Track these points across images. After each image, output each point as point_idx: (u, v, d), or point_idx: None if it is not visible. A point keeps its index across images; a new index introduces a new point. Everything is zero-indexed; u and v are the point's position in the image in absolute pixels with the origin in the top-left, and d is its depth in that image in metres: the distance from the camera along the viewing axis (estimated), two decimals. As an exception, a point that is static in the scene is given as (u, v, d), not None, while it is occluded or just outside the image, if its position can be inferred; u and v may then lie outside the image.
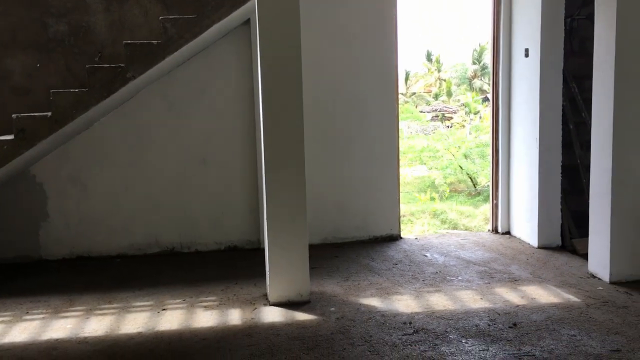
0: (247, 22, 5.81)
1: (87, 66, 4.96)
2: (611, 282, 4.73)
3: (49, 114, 4.84)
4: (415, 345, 3.70)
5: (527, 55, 5.87)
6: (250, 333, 3.95)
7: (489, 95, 6.69)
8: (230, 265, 5.58)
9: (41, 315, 4.39)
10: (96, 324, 4.20)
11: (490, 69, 6.60)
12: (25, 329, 4.14)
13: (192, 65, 5.88)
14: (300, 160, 4.39)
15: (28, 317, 4.38)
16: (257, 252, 5.95)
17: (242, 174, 6.07)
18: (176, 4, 5.77)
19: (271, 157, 4.36)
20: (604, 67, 4.70)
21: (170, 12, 5.77)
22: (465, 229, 8.21)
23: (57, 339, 3.94)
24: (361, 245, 6.16)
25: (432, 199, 11.64)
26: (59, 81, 5.76)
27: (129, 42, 4.92)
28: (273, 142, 4.34)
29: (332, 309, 4.37)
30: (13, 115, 4.85)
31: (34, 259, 5.87)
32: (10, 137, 4.85)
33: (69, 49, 5.79)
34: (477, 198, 11.87)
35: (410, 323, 4.06)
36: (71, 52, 5.79)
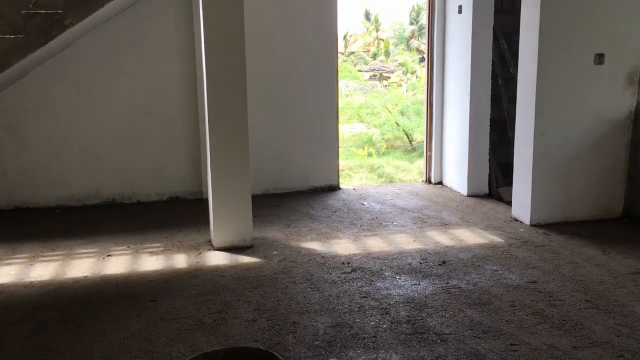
0: (188, -28, 5.77)
1: (22, 12, 4.83)
2: (531, 225, 5.15)
3: (-16, 60, 4.72)
4: (353, 282, 3.97)
5: (460, 11, 6.13)
6: (196, 275, 4.12)
7: (425, 55, 6.94)
8: (173, 215, 5.68)
9: (-18, 263, 4.40)
10: (41, 269, 4.24)
11: (426, 27, 6.83)
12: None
13: (130, 13, 5.81)
14: (243, 113, 4.50)
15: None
16: (200, 202, 6.07)
17: (184, 126, 6.11)
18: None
19: (214, 110, 4.45)
20: (529, 25, 5.00)
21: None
22: (401, 182, 8.57)
23: (1, 284, 3.98)
24: (301, 195, 6.38)
25: (370, 154, 11.97)
26: (-10, 27, 5.56)
27: (67, -13, 4.83)
28: (216, 95, 4.43)
29: (275, 252, 4.58)
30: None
31: (-30, 211, 5.77)
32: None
33: (0, -6, 5.58)
34: (413, 154, 12.29)
35: (349, 263, 4.33)
36: (3, -2, 5.58)
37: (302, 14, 6.21)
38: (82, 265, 4.34)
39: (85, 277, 4.11)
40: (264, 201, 6.02)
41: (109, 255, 4.54)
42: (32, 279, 4.06)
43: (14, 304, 3.66)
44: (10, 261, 4.44)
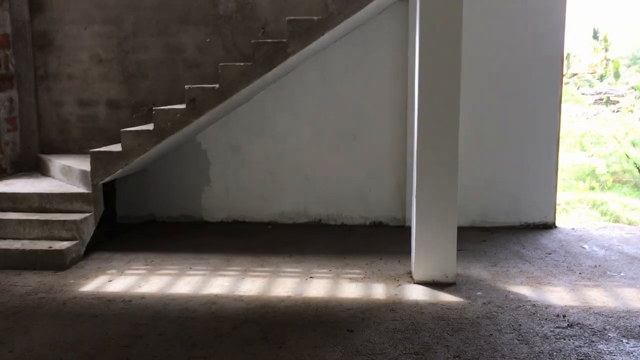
0: (406, -2, 5.75)
1: (252, 42, 5.21)
2: None
3: (217, 85, 5.18)
4: (569, 340, 3.50)
5: None
6: (394, 308, 3.99)
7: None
8: (375, 241, 5.64)
9: (202, 272, 4.78)
10: (250, 284, 4.48)
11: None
12: (189, 283, 4.53)
13: (347, 41, 5.95)
14: (454, 140, 4.29)
15: (191, 272, 4.78)
16: (402, 229, 5.95)
17: (391, 151, 6.07)
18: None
19: (424, 136, 4.31)
20: None
21: (330, -12, 5.87)
22: (629, 223, 7.54)
23: (216, 294, 4.27)
24: (511, 231, 5.91)
25: (592, 188, 10.80)
26: (225, 55, 6.14)
27: (292, 18, 5.09)
28: (427, 121, 4.28)
29: (479, 293, 4.26)
30: (186, 87, 5.25)
31: (196, 219, 6.38)
32: (182, 106, 5.26)
33: (235, 25, 6.13)
34: (644, 190, 10.80)
35: (564, 316, 3.84)
36: (238, 28, 6.13)
37: (525, 33, 5.79)
38: (286, 284, 4.48)
39: (288, 296, 4.23)
40: (469, 234, 5.70)
41: (311, 277, 4.63)
42: (241, 293, 4.30)
43: (225, 316, 3.89)
44: (225, 272, 4.77)
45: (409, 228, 5.10)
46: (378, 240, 5.68)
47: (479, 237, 5.67)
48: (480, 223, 6.06)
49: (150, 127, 5.29)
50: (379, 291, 4.32)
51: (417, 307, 4.00)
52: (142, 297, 4.25)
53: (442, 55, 4.21)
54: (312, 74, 6.05)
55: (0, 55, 6.14)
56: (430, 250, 4.43)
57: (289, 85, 6.08)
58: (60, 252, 4.85)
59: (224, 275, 4.70)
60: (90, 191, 5.27)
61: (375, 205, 6.18)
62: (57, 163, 5.92)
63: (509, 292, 4.28)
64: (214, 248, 5.40)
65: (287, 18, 5.13)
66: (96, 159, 5.22)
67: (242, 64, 5.18)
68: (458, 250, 4.49)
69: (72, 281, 4.57)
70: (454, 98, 4.25)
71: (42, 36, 6.39)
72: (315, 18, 5.01)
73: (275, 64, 5.10)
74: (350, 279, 4.59)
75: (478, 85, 5.81)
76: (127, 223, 6.35)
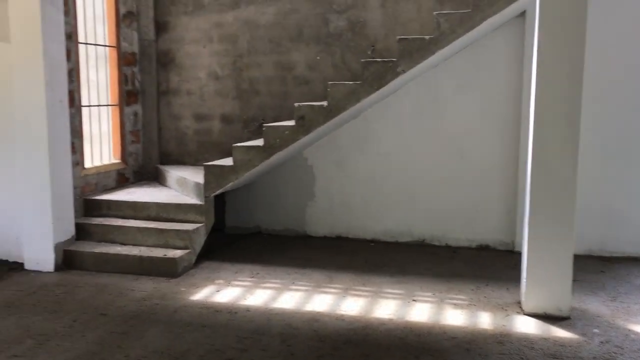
0: (522, 15, 5.54)
1: (361, 60, 5.24)
2: None
3: (325, 103, 5.25)
4: (701, 392, 3.17)
5: None
6: (502, 341, 3.81)
7: None
8: (482, 265, 5.45)
9: (305, 287, 4.84)
10: (352, 303, 4.48)
11: None
12: (291, 298, 4.61)
13: (457, 58, 5.82)
14: (572, 160, 4.06)
15: (294, 287, 4.86)
16: (511, 254, 5.71)
17: (501, 173, 5.85)
18: (450, -2, 5.77)
19: (540, 155, 4.11)
20: None
21: (443, 6, 5.79)
22: None
23: (318, 312, 4.31)
24: (634, 262, 5.47)
25: None
26: (334, 73, 6.22)
27: (402, 37, 5.06)
28: (543, 140, 4.08)
29: (596, 330, 3.98)
30: (295, 104, 5.37)
31: (300, 233, 6.48)
32: (291, 123, 5.38)
33: (345, 43, 6.20)
34: None
35: (695, 364, 3.49)
36: (347, 46, 6.19)
37: (654, 54, 5.38)
38: (388, 306, 4.43)
39: (390, 319, 4.17)
40: (585, 264, 5.35)
41: (414, 300, 4.55)
42: (343, 312, 4.30)
43: (326, 335, 3.90)
44: (327, 289, 4.80)
45: (519, 253, 4.87)
46: (485, 264, 5.47)
47: (597, 268, 5.31)
48: (598, 252, 5.67)
49: (260, 142, 5.45)
50: (485, 320, 4.15)
51: (526, 342, 3.80)
52: (247, 309, 4.37)
53: (562, 71, 4.00)
54: (421, 92, 5.98)
55: (127, 72, 6.60)
56: (542, 279, 4.20)
57: (396, 103, 6.04)
58: (173, 261, 5.10)
59: (326, 292, 4.72)
60: (202, 203, 5.51)
61: (482, 227, 5.97)
62: (174, 174, 6.25)
63: (630, 331, 3.96)
64: (316, 263, 5.46)
65: (397, 37, 5.11)
66: (209, 173, 5.46)
67: (350, 82, 5.22)
68: (573, 281, 4.22)
69: (183, 289, 4.80)
70: (573, 115, 4.03)
71: (165, 54, 6.81)
72: (427, 37, 4.95)
73: (384, 83, 5.09)
74: (454, 304, 4.45)
75: (599, 100, 5.47)
76: (235, 234, 6.58)
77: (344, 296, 4.64)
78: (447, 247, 6.04)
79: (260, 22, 6.44)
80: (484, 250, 5.94)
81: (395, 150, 6.14)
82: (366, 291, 4.76)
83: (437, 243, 6.12)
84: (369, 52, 6.11)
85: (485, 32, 5.54)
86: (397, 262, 5.53)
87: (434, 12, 4.99)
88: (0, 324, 4.08)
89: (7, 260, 5.38)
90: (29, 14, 4.93)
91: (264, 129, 5.40)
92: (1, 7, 5.06)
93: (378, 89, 5.14)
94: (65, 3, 5.35)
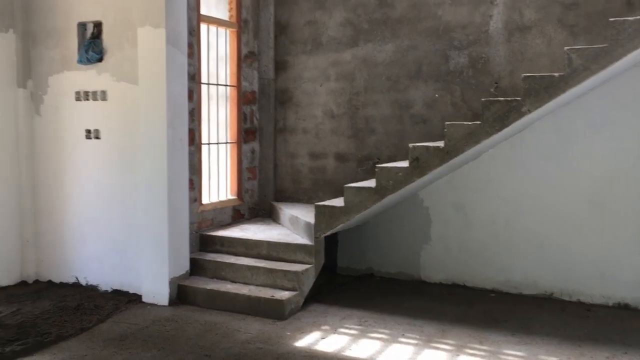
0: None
1: (482, 99, 4.92)
2: None
3: (442, 144, 4.98)
4: None
5: None
6: None
7: None
8: (619, 328, 4.81)
9: (414, 341, 4.53)
10: (465, 364, 4.11)
11: None
12: (399, 352, 4.32)
13: (591, 96, 5.29)
14: None
15: (403, 339, 4.57)
16: (656, 318, 5.00)
17: (644, 223, 5.19)
18: (584, 31, 5.29)
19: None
20: None
21: (576, 40, 5.33)
22: None
23: (427, 371, 3.99)
24: None
25: None
26: (453, 112, 5.92)
27: (528, 75, 4.68)
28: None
29: None
30: (409, 145, 5.14)
31: (413, 278, 6.17)
32: (404, 164, 5.16)
33: (466, 80, 5.89)
34: None
35: None
36: (468, 84, 5.88)
37: None
38: (506, 370, 4.01)
39: (507, 387, 3.75)
40: None
41: (537, 366, 4.08)
42: (454, 374, 3.95)
43: (433, 400, 3.58)
44: (439, 345, 4.45)
45: (666, 320, 4.23)
46: (623, 327, 4.83)
47: None
48: None
49: (372, 183, 5.27)
50: (621, 398, 3.60)
51: None
52: (352, 362, 4.16)
53: None
54: (548, 132, 5.50)
55: (247, 111, 6.75)
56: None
57: (521, 144, 5.61)
58: (280, 302, 5.02)
59: (437, 349, 4.38)
60: (312, 243, 5.41)
61: (621, 283, 5.31)
62: (287, 212, 6.24)
63: None
64: (429, 314, 5.12)
65: (522, 75, 4.73)
66: (320, 213, 5.36)
67: (469, 123, 4.91)
68: None
69: (288, 333, 4.68)
70: None
71: (283, 93, 6.90)
72: (556, 75, 4.53)
73: (507, 124, 4.72)
74: (585, 375, 3.93)
75: None
76: (346, 274, 6.41)
77: (457, 355, 4.27)
78: (579, 304, 5.42)
79: (377, 59, 6.33)
80: (622, 310, 5.26)
81: (520, 194, 5.67)
82: (483, 351, 4.35)
83: (567, 298, 5.53)
84: (492, 90, 5.75)
85: (624, 67, 4.98)
86: (520, 318, 5.04)
87: (565, 48, 4.57)
88: (114, 357, 4.19)
89: (127, 292, 5.60)
90: (155, 57, 5.19)
91: (376, 169, 5.22)
92: (132, 52, 5.37)
93: (500, 130, 4.78)
94: (190, 46, 5.58)
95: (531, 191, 5.63)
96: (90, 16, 5.60)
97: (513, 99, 4.74)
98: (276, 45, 6.86)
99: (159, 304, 5.35)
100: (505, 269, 5.78)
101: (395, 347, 4.42)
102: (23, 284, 5.97)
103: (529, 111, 4.66)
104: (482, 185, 5.83)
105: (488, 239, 5.85)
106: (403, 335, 4.64)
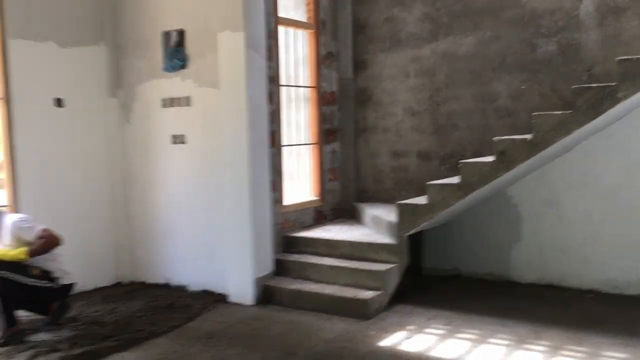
0: None
1: (572, 87, 4.64)
2: None
3: (529, 137, 4.73)
4: None
5: None
6: None
7: None
8: None
9: (505, 342, 4.32)
10: (561, 367, 3.86)
11: None
12: (489, 353, 4.13)
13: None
14: None
15: (493, 340, 4.36)
16: None
17: None
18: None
19: None
20: None
21: (678, 17, 4.92)
22: None
23: (519, 374, 3.78)
24: None
25: None
26: (541, 102, 5.63)
27: (624, 58, 4.36)
28: None
29: None
30: (494, 138, 4.94)
31: (503, 278, 5.90)
32: (490, 159, 4.95)
33: (555, 68, 5.59)
34: None
35: None
36: (557, 72, 5.58)
37: None
38: (608, 374, 3.73)
39: (609, 392, 3.48)
40: None
41: (643, 370, 3.77)
42: (550, 377, 3.71)
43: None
44: (532, 347, 4.21)
45: None
46: None
47: None
48: None
49: (455, 180, 5.10)
50: None
51: None
52: (439, 362, 4.02)
53: None
54: (650, 120, 5.11)
55: (326, 112, 6.75)
56: None
57: (619, 133, 5.24)
58: (364, 302, 4.95)
59: (530, 350, 4.15)
60: (396, 242, 5.31)
61: None
62: (369, 212, 6.17)
63: None
64: (520, 315, 4.86)
65: (617, 58, 4.42)
66: (402, 212, 5.25)
67: (559, 112, 4.64)
68: None
69: (372, 333, 4.60)
70: None
71: (362, 92, 6.84)
72: (656, 55, 4.20)
73: (601, 112, 4.42)
74: (699, 381, 3.58)
75: None
76: (432, 275, 6.24)
77: (553, 356, 4.02)
78: (689, 305, 4.99)
79: (458, 53, 6.14)
80: None
81: (621, 187, 5.30)
82: (581, 352, 4.07)
83: (674, 299, 5.11)
84: (584, 78, 5.41)
85: None
86: (623, 320, 4.69)
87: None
88: (203, 354, 4.29)
89: (214, 292, 5.72)
90: (235, 61, 5.29)
91: (459, 165, 5.04)
92: (213, 57, 5.51)
93: (593, 118, 4.48)
94: (269, 49, 5.65)
95: (634, 183, 5.24)
96: (173, 25, 5.80)
97: (607, 84, 4.43)
98: (354, 44, 6.81)
99: (244, 303, 5.42)
100: (604, 268, 5.41)
101: (484, 347, 4.23)
102: (118, 285, 6.24)
103: (625, 97, 4.34)
104: (576, 179, 5.50)
105: (584, 236, 5.50)
106: (493, 336, 4.43)
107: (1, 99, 5.36)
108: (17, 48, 5.38)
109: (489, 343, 4.31)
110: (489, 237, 5.98)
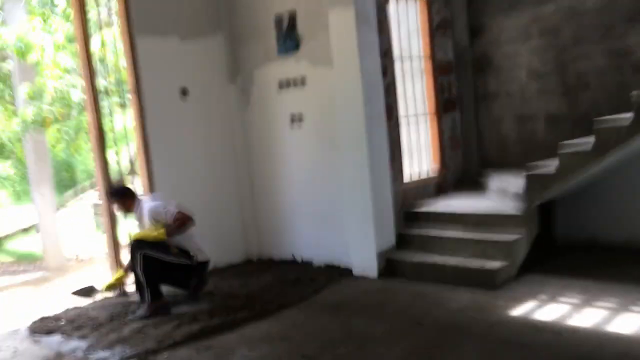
0: None
1: None
2: None
3: (673, 88, 4.29)
4: None
5: None
6: None
7: None
8: None
9: (651, 310, 3.99)
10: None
11: None
12: (631, 321, 3.83)
13: None
14: None
15: (635, 308, 4.04)
16: None
17: None
18: None
19: None
20: None
21: None
22: None
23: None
24: None
25: None
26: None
27: None
28: None
29: None
30: (633, 92, 4.52)
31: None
32: (628, 115, 4.54)
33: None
34: None
35: None
36: (703, 14, 4.99)
37: None
38: None
39: None
40: None
41: None
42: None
43: None
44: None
45: None
46: None
47: None
48: None
49: (589, 142, 4.74)
50: None
51: None
52: (574, 330, 3.79)
53: None
54: None
55: (444, 81, 6.57)
56: None
57: None
58: (491, 272, 4.80)
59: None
60: (523, 213, 5.07)
61: None
62: (493, 181, 5.94)
63: None
64: (667, 283, 4.47)
65: None
66: (530, 181, 5.01)
67: None
68: None
69: (501, 303, 4.44)
70: None
71: (481, 58, 6.57)
72: None
73: None
74: None
75: None
76: (565, 245, 5.88)
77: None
78: None
79: (585, 6, 5.69)
80: None
81: None
82: None
83: None
84: None
85: None
86: None
87: None
88: (331, 324, 4.40)
89: (338, 267, 5.82)
90: (347, 37, 5.29)
91: (594, 123, 4.68)
92: (325, 35, 5.54)
93: None
94: (380, 22, 5.58)
95: None
96: (285, 7, 5.93)
97: None
98: (469, 9, 6.55)
99: (368, 276, 5.47)
100: None
101: (625, 316, 3.93)
102: (248, 262, 6.55)
103: None
104: None
105: None
106: (635, 304, 4.11)
107: (134, 92, 5.80)
108: (144, 44, 5.80)
109: (631, 311, 4.00)
110: (630, 203, 5.49)
